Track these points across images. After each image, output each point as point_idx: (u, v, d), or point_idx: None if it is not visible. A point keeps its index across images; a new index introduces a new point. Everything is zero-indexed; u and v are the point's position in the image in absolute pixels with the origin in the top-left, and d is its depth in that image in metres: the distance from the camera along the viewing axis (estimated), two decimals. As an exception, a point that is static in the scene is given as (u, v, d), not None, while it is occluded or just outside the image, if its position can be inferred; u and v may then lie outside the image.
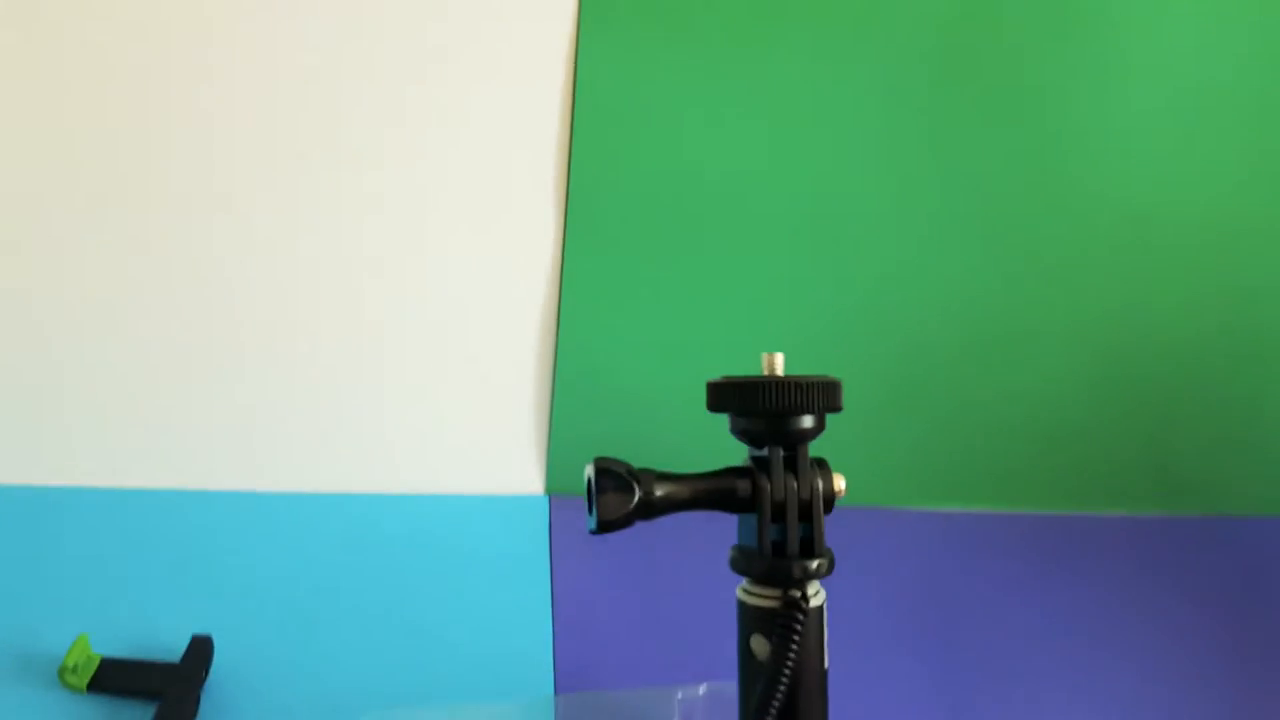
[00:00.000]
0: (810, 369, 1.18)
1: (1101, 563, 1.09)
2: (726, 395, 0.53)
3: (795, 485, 0.53)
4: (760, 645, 0.52)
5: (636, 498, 0.51)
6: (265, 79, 1.03)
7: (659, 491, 0.52)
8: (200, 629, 0.88)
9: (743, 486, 0.53)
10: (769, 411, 0.52)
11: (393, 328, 1.13)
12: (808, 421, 0.53)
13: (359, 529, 1.07)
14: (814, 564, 0.53)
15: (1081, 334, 1.13)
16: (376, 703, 0.84)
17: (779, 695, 0.50)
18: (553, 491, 1.22)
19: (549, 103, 1.08)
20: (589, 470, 0.51)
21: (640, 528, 1.18)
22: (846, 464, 1.18)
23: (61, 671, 0.78)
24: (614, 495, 0.50)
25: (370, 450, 1.15)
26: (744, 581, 0.55)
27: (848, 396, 1.18)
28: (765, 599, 0.53)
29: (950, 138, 1.10)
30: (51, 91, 1.00)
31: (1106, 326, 1.15)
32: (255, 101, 1.04)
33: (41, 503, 1.01)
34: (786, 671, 0.50)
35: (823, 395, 0.53)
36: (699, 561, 1.07)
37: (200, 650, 0.82)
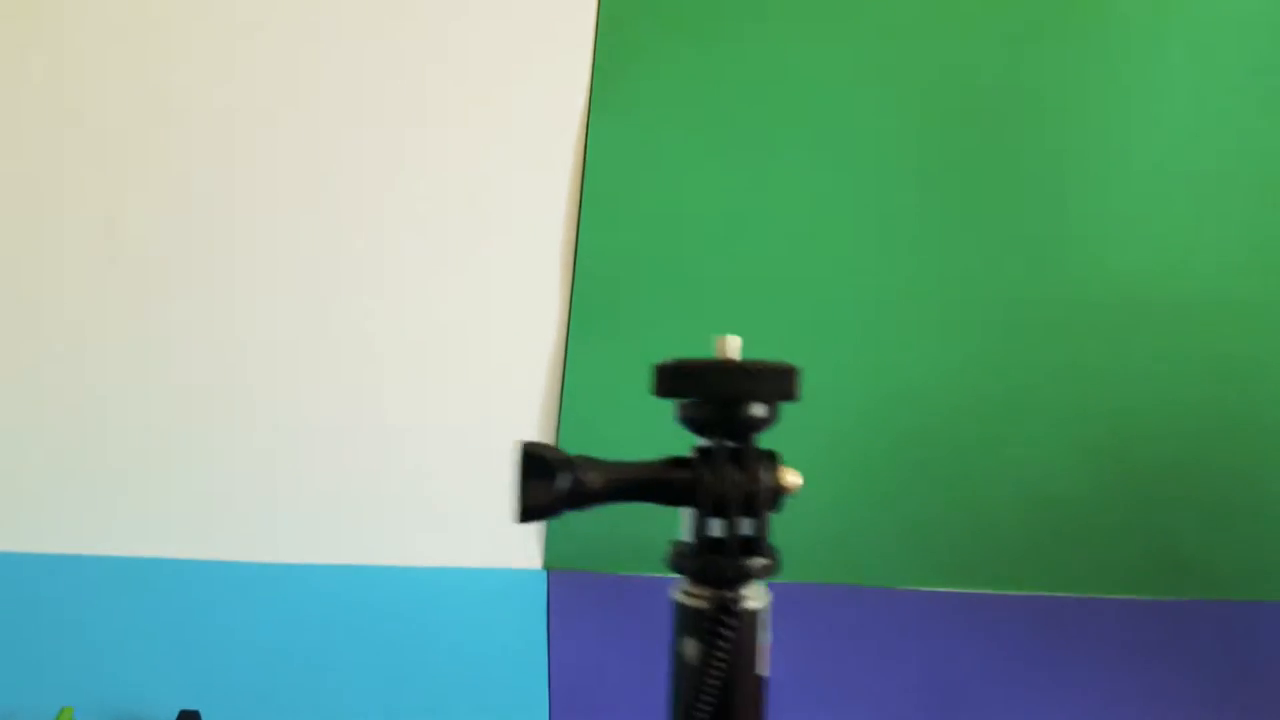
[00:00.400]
0: (815, 455, 1.18)
1: (1102, 646, 1.06)
2: (671, 379, 0.50)
3: (739, 478, 0.49)
4: (691, 649, 0.48)
5: (564, 484, 0.48)
6: (276, 159, 1.06)
7: (589, 479, 0.49)
8: (188, 703, 0.86)
9: (681, 477, 0.50)
10: (714, 397, 0.49)
11: (392, 399, 1.12)
12: (758, 410, 0.50)
13: (352, 601, 1.04)
14: (753, 563, 0.49)
15: (1082, 419, 1.11)
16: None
17: (704, 703, 0.45)
18: (551, 567, 1.19)
19: (558, 183, 1.09)
20: (515, 454, 0.48)
21: (642, 605, 1.13)
22: (850, 545, 1.17)
23: (45, 745, 0.76)
24: (538, 482, 0.47)
25: (366, 521, 1.13)
26: (681, 580, 0.51)
27: (853, 478, 1.19)
28: (698, 599, 0.49)
29: (950, 223, 1.09)
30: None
31: (1107, 412, 1.12)
32: (269, 186, 1.05)
33: (25, 570, 0.99)
34: (714, 678, 0.46)
35: (774, 382, 0.49)
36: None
37: (188, 725, 0.80)
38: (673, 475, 0.50)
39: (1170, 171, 1.10)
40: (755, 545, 0.49)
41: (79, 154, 1.02)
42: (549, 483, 0.48)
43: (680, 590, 0.50)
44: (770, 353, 1.13)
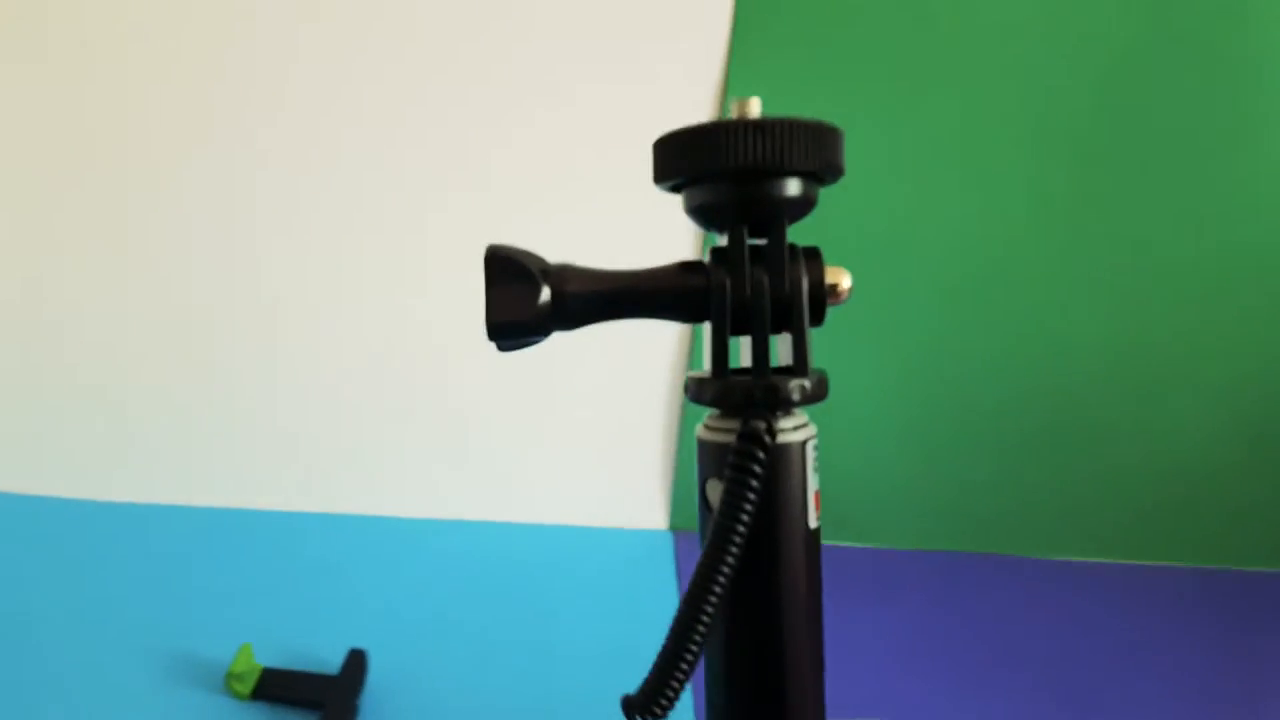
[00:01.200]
0: (956, 420, 1.07)
1: (1253, 618, 0.96)
2: (672, 153, 0.38)
3: (766, 279, 0.38)
4: (716, 493, 0.37)
5: (544, 294, 0.38)
6: (396, 134, 1.03)
7: (574, 288, 0.38)
8: (354, 644, 0.88)
9: (694, 282, 0.39)
10: (729, 169, 0.36)
11: (525, 363, 1.08)
12: (790, 187, 0.37)
13: (495, 555, 1.04)
14: (791, 385, 0.37)
15: (1234, 388, 1.03)
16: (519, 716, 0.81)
17: (729, 556, 0.34)
18: (677, 528, 1.10)
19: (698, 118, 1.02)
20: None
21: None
22: (991, 512, 1.06)
23: (228, 678, 0.79)
24: (511, 288, 0.38)
25: (504, 480, 1.10)
26: (706, 415, 0.40)
27: (995, 443, 1.08)
28: (723, 433, 0.38)
29: (1103, 185, 1.00)
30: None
31: (1260, 381, 1.02)
32: (388, 168, 1.04)
33: (212, 522, 1.06)
34: (739, 525, 0.34)
35: (807, 144, 0.36)
36: (838, 593, 0.98)
37: (357, 663, 0.82)
38: (682, 281, 0.39)
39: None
40: (794, 365, 0.38)
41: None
42: (526, 291, 0.38)
43: (704, 425, 0.39)
44: (910, 314, 1.03)
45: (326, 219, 1.05)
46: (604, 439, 1.10)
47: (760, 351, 0.38)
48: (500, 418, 1.08)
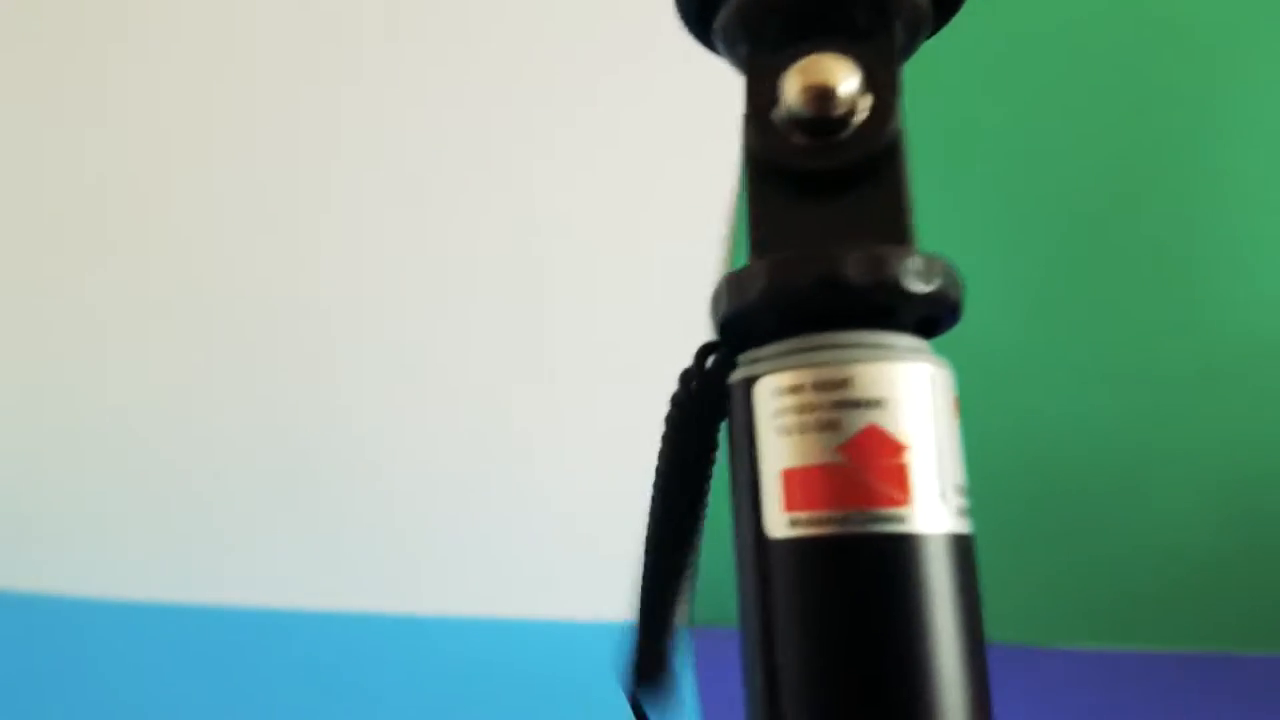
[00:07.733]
0: None
1: (1248, 702, 0.99)
2: None
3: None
4: None
5: None
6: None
7: None
8: None
9: None
10: None
11: (538, 444, 1.04)
12: None
13: (484, 654, 0.99)
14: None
15: (1224, 473, 1.07)
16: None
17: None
18: (695, 623, 1.04)
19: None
20: None
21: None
22: (986, 601, 1.06)
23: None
24: None
25: (500, 572, 1.03)
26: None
27: (986, 531, 1.06)
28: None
29: (1094, 273, 1.06)
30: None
31: (1249, 465, 1.07)
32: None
33: (180, 621, 1.02)
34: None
35: None
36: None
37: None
38: None
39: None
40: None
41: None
42: None
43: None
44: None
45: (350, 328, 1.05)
46: (602, 522, 1.06)
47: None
48: (498, 501, 1.04)
